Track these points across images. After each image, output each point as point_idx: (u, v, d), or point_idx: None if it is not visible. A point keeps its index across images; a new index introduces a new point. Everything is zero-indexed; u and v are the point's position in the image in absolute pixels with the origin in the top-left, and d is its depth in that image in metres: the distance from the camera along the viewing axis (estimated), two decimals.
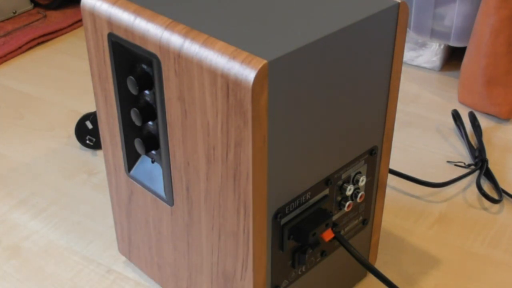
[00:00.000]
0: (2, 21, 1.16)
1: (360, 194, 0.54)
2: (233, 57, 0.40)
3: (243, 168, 0.43)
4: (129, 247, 0.63)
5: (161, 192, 0.53)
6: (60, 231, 0.71)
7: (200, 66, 0.42)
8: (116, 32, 0.48)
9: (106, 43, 0.50)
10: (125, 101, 0.51)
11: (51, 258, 0.67)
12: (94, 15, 0.49)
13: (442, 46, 0.98)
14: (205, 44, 0.42)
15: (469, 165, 0.78)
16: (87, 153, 0.83)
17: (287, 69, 0.41)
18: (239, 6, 0.47)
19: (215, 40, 0.42)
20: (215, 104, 0.42)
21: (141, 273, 0.64)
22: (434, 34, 0.96)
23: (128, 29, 0.47)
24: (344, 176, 0.52)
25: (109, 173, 0.59)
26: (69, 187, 0.78)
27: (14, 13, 1.18)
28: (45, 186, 0.78)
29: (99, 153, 0.83)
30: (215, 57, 0.41)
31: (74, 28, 1.16)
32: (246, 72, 0.39)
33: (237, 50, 0.41)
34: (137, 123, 0.50)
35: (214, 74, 0.41)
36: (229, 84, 0.41)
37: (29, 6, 1.21)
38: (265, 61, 0.39)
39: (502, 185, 0.75)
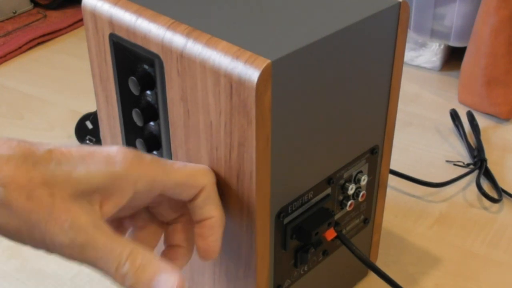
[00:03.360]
0: (2, 21, 1.16)
1: (361, 193, 0.54)
2: (236, 57, 0.40)
3: (247, 168, 0.43)
4: None
5: None
6: None
7: (203, 66, 0.42)
8: (117, 33, 0.48)
9: (107, 44, 0.50)
10: (127, 101, 0.51)
11: (52, 258, 0.67)
12: (95, 15, 0.49)
13: (442, 46, 0.98)
14: (208, 44, 0.42)
15: (468, 165, 0.78)
16: None
17: (291, 68, 0.41)
18: (241, 6, 0.47)
19: (218, 40, 0.42)
20: (218, 104, 0.43)
21: None
22: (434, 34, 0.96)
23: (129, 30, 0.47)
24: (345, 175, 0.52)
25: None
26: None
27: (14, 13, 1.18)
28: None
29: None
30: (218, 57, 0.41)
31: (74, 28, 1.16)
32: (249, 71, 0.39)
33: (240, 49, 0.41)
34: (139, 123, 0.50)
35: (217, 74, 0.41)
36: (233, 84, 0.41)
37: (29, 6, 1.21)
38: (268, 61, 0.39)
39: (502, 184, 0.75)
